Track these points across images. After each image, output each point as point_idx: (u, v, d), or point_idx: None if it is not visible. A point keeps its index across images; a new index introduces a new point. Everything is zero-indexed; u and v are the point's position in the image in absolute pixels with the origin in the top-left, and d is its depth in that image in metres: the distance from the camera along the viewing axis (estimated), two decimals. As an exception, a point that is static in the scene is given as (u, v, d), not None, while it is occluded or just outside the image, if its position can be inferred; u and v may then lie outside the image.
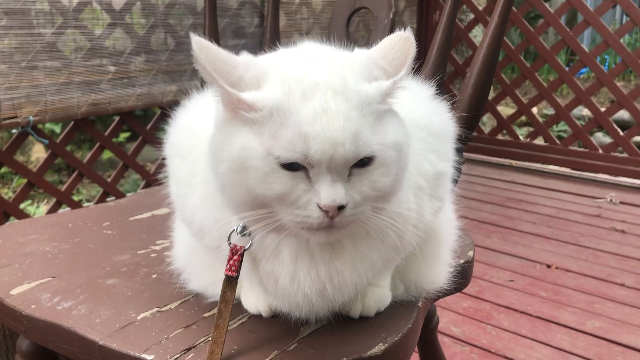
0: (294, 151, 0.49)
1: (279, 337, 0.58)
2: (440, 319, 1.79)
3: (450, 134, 0.65)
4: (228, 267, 0.56)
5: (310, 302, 0.58)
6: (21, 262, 0.74)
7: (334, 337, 0.58)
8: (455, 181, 0.85)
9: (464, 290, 1.90)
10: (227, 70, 0.50)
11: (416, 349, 1.01)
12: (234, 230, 0.57)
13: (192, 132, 0.63)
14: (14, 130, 1.97)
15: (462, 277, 0.77)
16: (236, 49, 0.55)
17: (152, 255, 0.81)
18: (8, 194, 2.99)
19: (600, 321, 1.78)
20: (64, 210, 2.13)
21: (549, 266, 2.16)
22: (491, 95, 3.65)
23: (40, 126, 2.05)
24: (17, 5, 1.84)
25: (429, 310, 0.93)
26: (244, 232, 0.56)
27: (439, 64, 0.91)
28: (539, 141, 3.38)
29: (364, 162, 0.51)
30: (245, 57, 0.54)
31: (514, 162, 3.47)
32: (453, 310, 1.83)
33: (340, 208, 0.50)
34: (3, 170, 2.16)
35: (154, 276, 0.75)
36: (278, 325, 0.61)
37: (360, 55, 0.57)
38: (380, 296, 0.63)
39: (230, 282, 0.57)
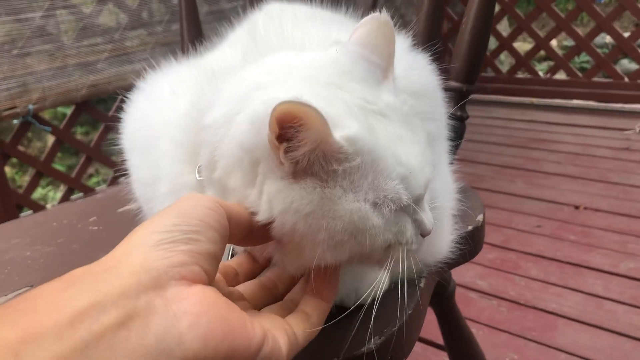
0: (402, 197, 0.43)
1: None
2: (465, 273, 1.75)
3: (433, 90, 0.57)
4: None
5: None
6: (0, 271, 0.71)
7: (323, 333, 0.53)
8: (455, 139, 0.78)
9: (489, 241, 1.87)
10: None
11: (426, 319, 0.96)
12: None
13: (151, 122, 0.56)
14: (15, 121, 1.93)
15: (471, 244, 0.70)
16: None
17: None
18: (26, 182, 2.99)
19: (634, 261, 1.70)
20: (55, 206, 2.12)
21: (577, 207, 2.07)
22: (506, 31, 3.49)
23: (51, 112, 2.01)
24: (0, -9, 1.78)
25: (442, 277, 0.87)
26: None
27: (432, 20, 0.82)
28: (560, 75, 3.24)
29: None
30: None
31: (535, 100, 3.34)
32: (478, 263, 1.77)
33: None
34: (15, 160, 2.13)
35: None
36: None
37: (348, 52, 0.47)
38: (376, 280, 0.57)
39: None
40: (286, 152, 0.40)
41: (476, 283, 1.67)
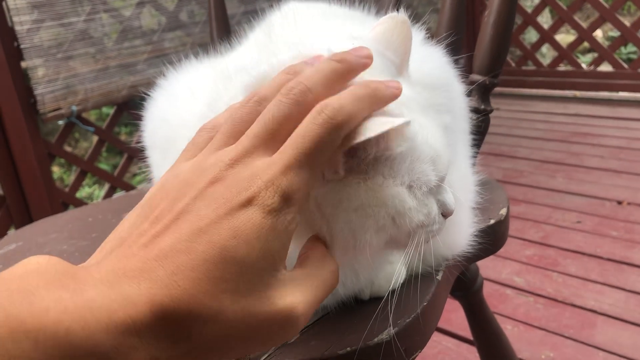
0: (431, 179, 0.45)
1: (282, 329, 0.55)
2: (501, 269, 1.72)
3: (448, 82, 0.57)
4: None
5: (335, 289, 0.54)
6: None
7: (340, 324, 0.54)
8: (479, 133, 0.77)
9: (527, 237, 1.84)
10: None
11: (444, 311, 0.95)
12: None
13: (170, 121, 0.58)
14: (60, 122, 2.01)
15: (493, 238, 0.70)
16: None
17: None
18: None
19: (679, 258, 1.64)
20: (91, 203, 2.18)
21: (619, 202, 2.02)
22: (548, 23, 3.41)
23: (96, 112, 2.09)
24: (44, -3, 1.85)
25: (470, 272, 0.87)
26: None
27: (456, 11, 0.82)
28: (605, 67, 3.14)
29: None
30: None
31: (578, 93, 3.25)
32: (515, 259, 1.75)
33: None
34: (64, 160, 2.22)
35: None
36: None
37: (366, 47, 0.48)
38: (393, 273, 0.57)
39: None
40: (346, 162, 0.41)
41: (512, 279, 1.65)
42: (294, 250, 0.43)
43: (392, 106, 0.42)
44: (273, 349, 0.52)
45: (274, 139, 0.37)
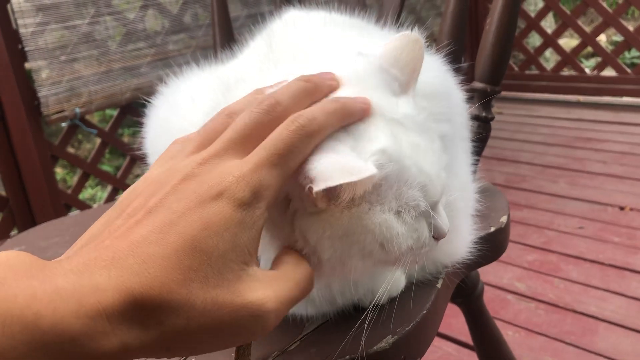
0: (420, 204, 0.44)
1: (281, 335, 0.55)
2: (502, 275, 1.72)
3: (447, 91, 0.57)
4: None
5: (333, 298, 0.54)
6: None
7: (339, 332, 0.54)
8: (480, 140, 0.77)
9: (529, 242, 1.84)
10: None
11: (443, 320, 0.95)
12: None
13: (171, 129, 0.58)
14: (63, 124, 2.01)
15: (493, 246, 0.70)
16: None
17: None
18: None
19: (681, 265, 1.64)
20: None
21: (622, 208, 2.01)
22: (551, 28, 3.41)
23: (100, 114, 2.09)
24: (49, 0, 1.86)
25: (470, 278, 0.87)
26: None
27: (457, 19, 0.82)
28: (608, 72, 3.14)
29: None
30: None
31: (581, 98, 3.25)
32: (517, 265, 1.75)
33: None
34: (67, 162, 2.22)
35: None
36: (282, 320, 0.57)
37: (369, 63, 0.47)
38: (392, 280, 0.58)
39: None
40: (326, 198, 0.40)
41: (514, 285, 1.65)
42: (269, 258, 0.43)
43: (379, 125, 0.43)
44: (274, 355, 0.52)
45: (245, 143, 0.38)
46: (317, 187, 0.38)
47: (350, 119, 0.42)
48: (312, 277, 0.41)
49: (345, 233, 0.42)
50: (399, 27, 0.59)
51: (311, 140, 0.39)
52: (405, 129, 0.45)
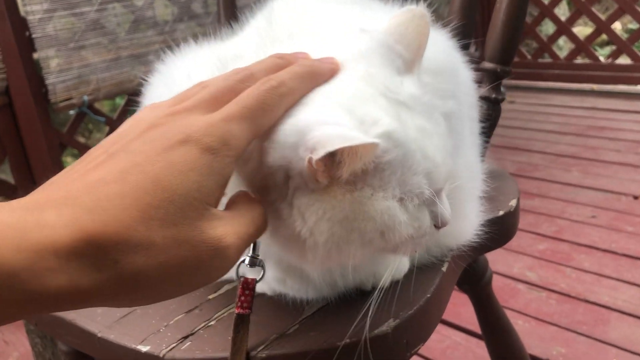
0: (424, 191, 0.43)
1: (280, 318, 0.53)
2: (513, 264, 1.70)
3: (453, 66, 0.55)
4: (239, 304, 0.48)
5: (334, 281, 0.53)
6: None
7: (339, 316, 0.52)
8: (490, 122, 0.75)
9: (540, 231, 1.81)
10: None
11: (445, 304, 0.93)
12: (242, 262, 0.48)
13: None
14: (71, 112, 2.01)
15: (501, 229, 0.68)
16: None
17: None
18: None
19: (696, 254, 1.61)
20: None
21: (636, 197, 1.98)
22: (565, 15, 3.36)
23: (109, 102, 2.08)
24: (56, -13, 1.85)
25: (479, 264, 0.85)
26: (254, 263, 0.49)
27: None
28: (623, 60, 3.08)
29: None
30: None
31: (595, 87, 3.20)
32: (528, 254, 1.72)
33: None
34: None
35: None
36: (281, 303, 0.56)
37: (372, 39, 0.45)
38: (396, 264, 0.56)
39: (243, 321, 0.48)
40: (327, 171, 0.39)
41: (525, 274, 1.62)
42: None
43: (384, 107, 0.41)
44: (272, 338, 0.50)
45: (216, 103, 0.38)
46: (317, 155, 0.37)
47: (320, 79, 0.42)
48: (265, 215, 0.40)
49: (346, 217, 0.41)
50: (402, 2, 0.57)
51: (282, 100, 0.39)
52: (410, 111, 0.43)
